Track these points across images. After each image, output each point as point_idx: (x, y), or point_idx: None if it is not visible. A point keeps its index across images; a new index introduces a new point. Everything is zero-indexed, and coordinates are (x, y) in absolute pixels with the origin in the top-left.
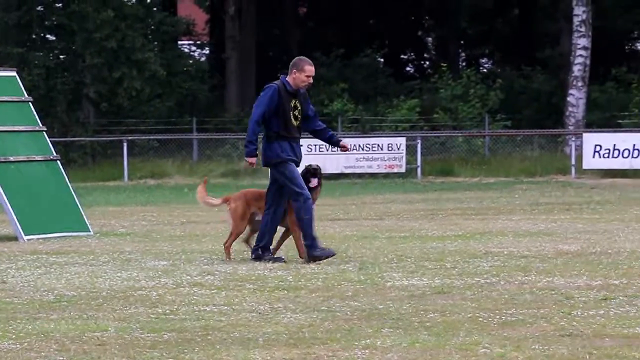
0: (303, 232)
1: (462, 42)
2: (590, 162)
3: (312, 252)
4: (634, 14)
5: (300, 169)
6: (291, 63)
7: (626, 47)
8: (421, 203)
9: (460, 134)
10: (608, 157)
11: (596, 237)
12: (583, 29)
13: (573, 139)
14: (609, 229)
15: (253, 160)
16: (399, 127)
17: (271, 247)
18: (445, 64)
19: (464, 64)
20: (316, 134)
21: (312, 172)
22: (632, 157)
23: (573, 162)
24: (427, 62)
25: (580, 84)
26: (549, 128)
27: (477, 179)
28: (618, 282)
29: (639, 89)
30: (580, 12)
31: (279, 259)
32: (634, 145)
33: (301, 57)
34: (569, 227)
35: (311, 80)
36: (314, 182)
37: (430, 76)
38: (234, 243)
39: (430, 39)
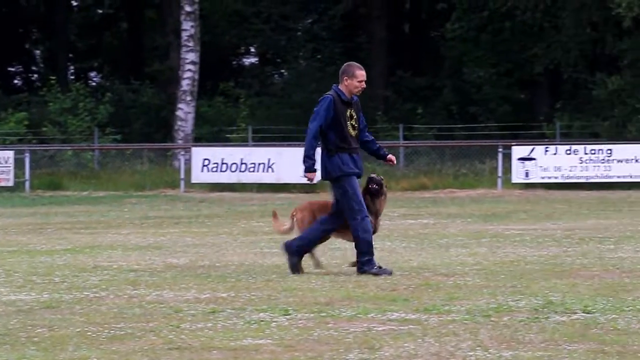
0: (359, 250)
1: (71, 55)
2: (199, 176)
3: (369, 268)
4: (240, 30)
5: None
6: (341, 70)
7: (233, 62)
8: (30, 217)
9: (69, 148)
10: (216, 171)
11: (205, 251)
12: (191, 44)
13: (182, 152)
14: (218, 242)
15: (312, 175)
16: (6, 140)
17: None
18: (54, 77)
19: (73, 77)
20: (363, 145)
21: (376, 181)
22: (240, 171)
23: (182, 175)
24: (36, 75)
25: (189, 98)
26: (158, 142)
27: (87, 192)
28: (226, 295)
29: (247, 103)
30: (188, 27)
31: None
32: (242, 159)
33: (350, 62)
34: (178, 240)
35: (364, 85)
36: (373, 185)
37: (39, 89)
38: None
39: (38, 51)
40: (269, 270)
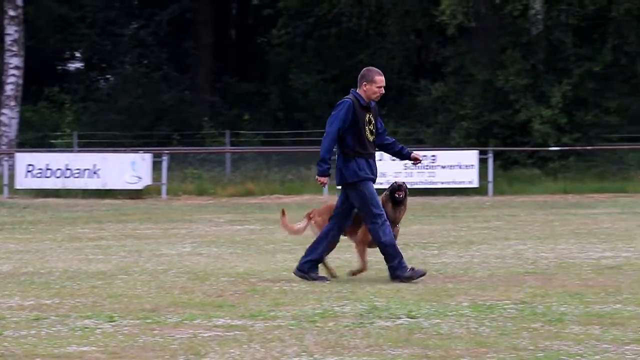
0: (386, 255)
1: None
2: (23, 181)
3: (401, 272)
4: (65, 34)
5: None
6: (360, 75)
7: (58, 67)
8: None
9: None
10: (41, 176)
11: (29, 257)
12: (15, 48)
13: (6, 158)
14: (42, 248)
15: (325, 180)
16: None
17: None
18: None
19: None
20: (385, 148)
21: (397, 187)
22: (65, 176)
23: (6, 181)
24: None
25: (13, 103)
26: None
27: None
28: (50, 301)
29: (72, 109)
30: (12, 31)
31: (322, 278)
32: (67, 165)
33: (369, 67)
34: (1, 247)
35: (383, 91)
36: (400, 194)
37: None
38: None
39: None
40: (93, 276)
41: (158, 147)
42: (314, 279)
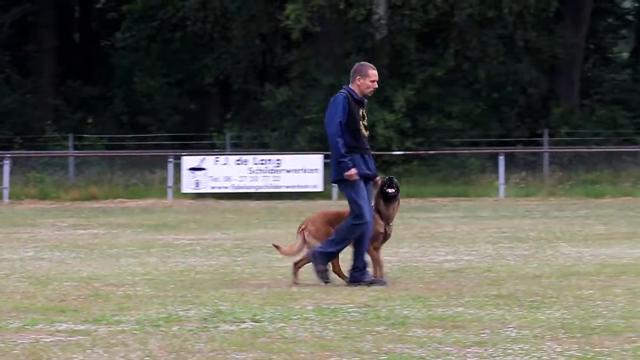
0: (329, 253)
1: None
2: None
3: (320, 275)
4: None
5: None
6: (352, 70)
7: None
8: None
9: None
10: None
11: None
12: None
13: None
14: None
15: (354, 171)
16: None
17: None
18: None
19: None
20: None
21: (389, 182)
22: None
23: None
24: None
25: None
26: None
27: None
28: None
29: None
30: None
31: (379, 281)
32: None
33: (362, 62)
34: None
35: (376, 85)
36: (391, 190)
37: None
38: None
39: None
40: None
41: None
42: (371, 283)
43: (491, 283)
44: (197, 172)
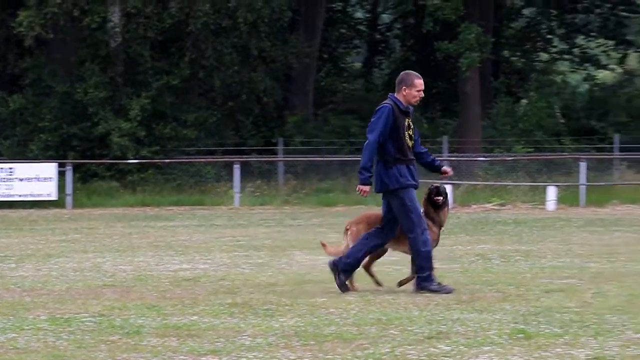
0: (419, 265)
1: None
2: None
3: (429, 285)
4: None
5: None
6: (398, 79)
7: None
8: None
9: None
10: None
11: None
12: None
13: None
14: None
15: (367, 188)
16: None
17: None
18: None
19: None
20: (416, 157)
21: (435, 191)
22: None
23: None
24: None
25: None
26: None
27: None
28: None
29: None
30: None
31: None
32: None
33: (408, 71)
34: None
35: (422, 95)
36: (439, 199)
37: None
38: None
39: None
40: None
41: None
42: (342, 285)
43: (226, 291)
44: None
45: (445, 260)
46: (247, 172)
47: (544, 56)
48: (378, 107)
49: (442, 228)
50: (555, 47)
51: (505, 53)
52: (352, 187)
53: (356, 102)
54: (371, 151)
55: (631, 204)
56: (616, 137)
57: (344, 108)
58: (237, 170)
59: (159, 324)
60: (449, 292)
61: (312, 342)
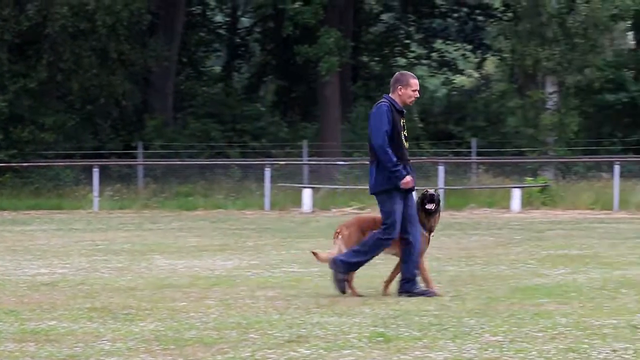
0: (352, 264)
1: None
2: None
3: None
4: None
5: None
6: (393, 79)
7: None
8: None
9: None
10: None
11: None
12: None
13: None
14: None
15: (409, 179)
16: None
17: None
18: None
19: None
20: None
21: (428, 197)
22: None
23: None
24: None
25: None
26: None
27: None
28: None
29: None
30: None
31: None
32: None
33: (403, 71)
34: None
35: (417, 95)
36: (431, 206)
37: None
38: None
39: None
40: None
41: None
42: (421, 294)
43: (85, 296)
44: None
45: (308, 264)
46: (106, 175)
47: (402, 61)
48: (375, 108)
49: (432, 233)
50: (413, 52)
51: (364, 58)
52: (213, 192)
53: (216, 106)
54: (386, 149)
55: (488, 207)
56: (473, 141)
57: (203, 112)
58: (96, 173)
59: (17, 329)
60: (342, 290)
61: (173, 347)
